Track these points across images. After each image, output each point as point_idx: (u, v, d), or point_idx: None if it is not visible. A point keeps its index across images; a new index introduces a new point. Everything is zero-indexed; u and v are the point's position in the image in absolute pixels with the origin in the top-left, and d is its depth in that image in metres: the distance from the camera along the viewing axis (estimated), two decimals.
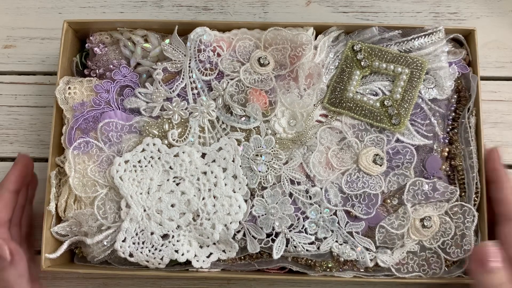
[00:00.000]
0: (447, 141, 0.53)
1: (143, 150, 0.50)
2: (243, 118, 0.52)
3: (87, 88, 0.53)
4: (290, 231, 0.50)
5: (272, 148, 0.51)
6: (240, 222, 0.50)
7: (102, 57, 0.55)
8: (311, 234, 0.50)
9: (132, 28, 0.55)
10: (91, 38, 0.55)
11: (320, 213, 0.50)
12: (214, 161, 0.51)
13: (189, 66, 0.53)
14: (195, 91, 0.53)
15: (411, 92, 0.51)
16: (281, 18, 0.63)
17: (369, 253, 0.50)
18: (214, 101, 0.53)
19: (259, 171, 0.50)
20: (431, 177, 0.51)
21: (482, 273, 0.40)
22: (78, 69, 0.56)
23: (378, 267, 0.50)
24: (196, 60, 0.53)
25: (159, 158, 0.50)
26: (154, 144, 0.50)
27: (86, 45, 0.56)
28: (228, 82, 0.52)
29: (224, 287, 0.57)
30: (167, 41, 0.54)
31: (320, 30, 0.54)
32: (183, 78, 0.53)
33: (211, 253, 0.50)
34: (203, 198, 0.49)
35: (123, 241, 0.48)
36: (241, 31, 0.54)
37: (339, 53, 0.54)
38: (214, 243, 0.50)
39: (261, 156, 0.51)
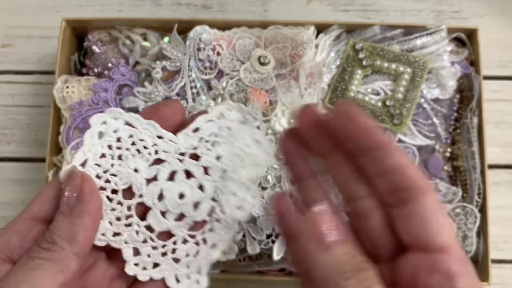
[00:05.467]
0: (449, 141, 0.52)
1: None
2: None
3: (85, 87, 0.53)
4: None
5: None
6: (239, 223, 0.49)
7: (101, 55, 0.54)
8: None
9: (131, 26, 0.54)
10: (89, 36, 0.55)
11: None
12: None
13: (189, 65, 0.52)
14: (195, 90, 0.52)
15: (413, 91, 0.51)
16: (281, 17, 0.62)
17: None
18: (214, 100, 0.52)
19: None
20: (433, 178, 0.50)
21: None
22: (76, 67, 0.56)
23: None
24: (195, 59, 0.53)
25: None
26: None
27: (85, 43, 0.55)
28: (228, 81, 0.52)
29: None
30: (166, 39, 0.53)
31: (321, 28, 0.54)
32: (182, 77, 0.52)
33: None
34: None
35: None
36: (241, 29, 0.53)
37: (341, 52, 0.53)
38: None
39: None
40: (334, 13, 0.62)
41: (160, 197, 0.23)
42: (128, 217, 0.23)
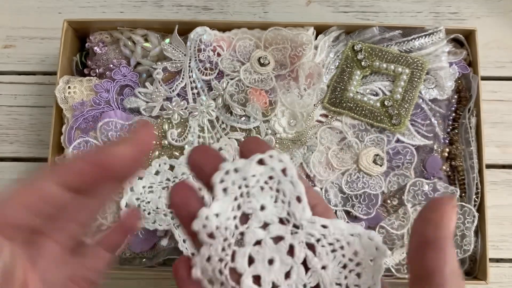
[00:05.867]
0: (447, 141, 0.53)
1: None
2: (243, 118, 0.52)
3: (87, 87, 0.53)
4: None
5: None
6: None
7: (102, 56, 0.55)
8: None
9: (132, 27, 0.55)
10: (91, 37, 0.55)
11: None
12: None
13: (189, 66, 0.53)
14: (195, 91, 0.53)
15: (412, 92, 0.51)
16: (281, 18, 0.62)
17: None
18: (214, 101, 0.52)
19: None
20: (431, 178, 0.51)
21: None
22: (78, 68, 0.56)
23: None
24: (196, 59, 0.53)
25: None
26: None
27: (86, 44, 0.56)
28: (228, 82, 0.52)
29: None
30: (167, 40, 0.54)
31: (320, 29, 0.54)
32: (183, 78, 0.53)
33: None
34: None
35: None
36: (241, 30, 0.54)
37: (340, 53, 0.54)
38: None
39: None
40: (333, 15, 0.63)
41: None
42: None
